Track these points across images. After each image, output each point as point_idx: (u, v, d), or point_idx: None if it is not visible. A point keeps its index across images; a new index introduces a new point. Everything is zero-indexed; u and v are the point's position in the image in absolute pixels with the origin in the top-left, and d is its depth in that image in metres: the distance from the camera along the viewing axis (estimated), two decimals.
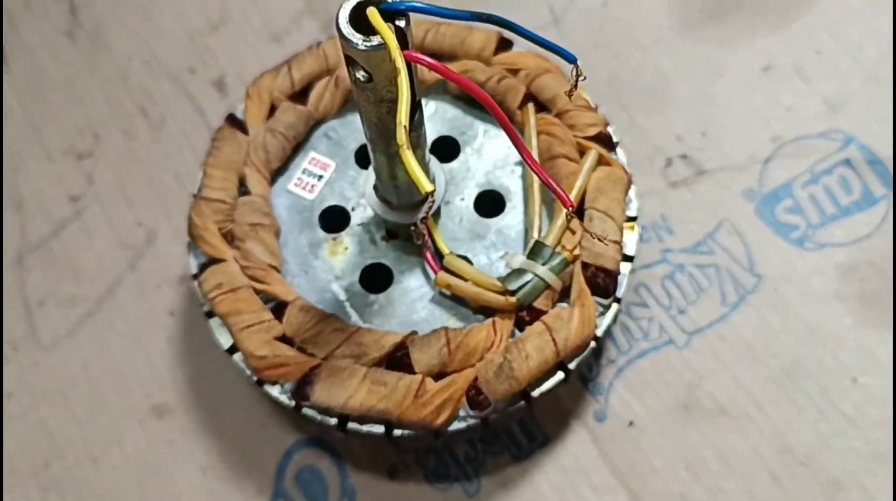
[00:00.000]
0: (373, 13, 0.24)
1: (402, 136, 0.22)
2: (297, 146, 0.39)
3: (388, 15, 0.24)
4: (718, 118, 0.42)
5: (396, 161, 0.31)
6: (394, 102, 0.26)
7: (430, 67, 0.25)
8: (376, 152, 0.31)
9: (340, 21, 0.25)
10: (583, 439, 0.37)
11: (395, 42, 0.23)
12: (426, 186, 0.20)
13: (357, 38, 0.24)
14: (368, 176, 0.35)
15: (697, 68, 0.43)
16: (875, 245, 0.38)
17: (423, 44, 0.39)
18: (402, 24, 0.24)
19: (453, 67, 0.39)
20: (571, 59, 0.26)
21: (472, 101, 0.39)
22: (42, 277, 0.43)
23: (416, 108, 0.28)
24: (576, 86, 0.31)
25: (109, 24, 0.48)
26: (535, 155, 0.37)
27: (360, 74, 0.26)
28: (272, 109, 0.39)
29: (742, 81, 0.43)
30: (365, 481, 0.37)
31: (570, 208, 0.25)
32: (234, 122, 0.39)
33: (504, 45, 0.39)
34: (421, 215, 0.22)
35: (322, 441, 0.38)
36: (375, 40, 0.24)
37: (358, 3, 0.25)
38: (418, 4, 0.25)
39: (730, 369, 0.37)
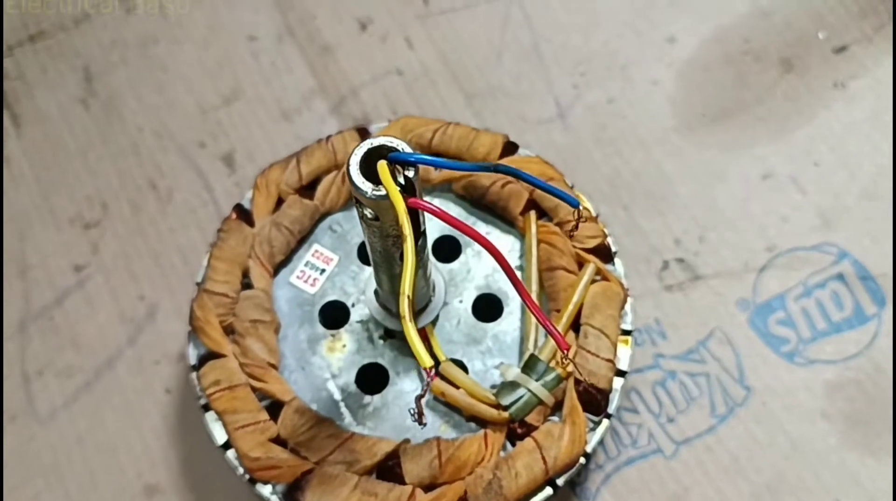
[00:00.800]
0: (382, 169, 0.25)
1: (404, 307, 0.23)
2: (303, 238, 0.40)
3: (398, 164, 0.26)
4: (716, 224, 0.43)
5: (399, 280, 0.32)
6: (399, 236, 0.28)
7: (436, 215, 0.26)
8: (379, 271, 0.32)
9: (351, 167, 0.26)
10: None
11: (403, 205, 0.24)
12: (426, 361, 0.21)
13: (367, 186, 0.25)
14: (370, 276, 0.36)
15: (699, 172, 0.44)
16: (862, 365, 0.39)
17: (430, 145, 0.40)
18: (410, 174, 0.26)
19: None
20: (574, 204, 0.27)
21: (475, 201, 0.40)
22: (42, 346, 0.44)
23: (419, 236, 0.29)
24: (577, 227, 0.33)
25: (123, 94, 0.49)
26: (534, 263, 0.38)
27: (368, 212, 0.27)
28: (279, 201, 0.40)
29: (741, 187, 0.44)
30: None
31: (566, 351, 0.26)
32: (240, 212, 0.40)
33: (509, 148, 0.41)
34: (418, 392, 0.23)
35: None
36: (384, 190, 0.25)
37: (369, 151, 0.26)
38: (427, 157, 0.26)
39: (714, 482, 0.38)
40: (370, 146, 0.26)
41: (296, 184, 0.40)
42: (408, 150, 0.25)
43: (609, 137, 0.46)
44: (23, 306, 0.45)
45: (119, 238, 0.46)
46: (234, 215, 0.40)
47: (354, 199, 0.27)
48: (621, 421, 0.40)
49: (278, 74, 0.49)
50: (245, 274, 0.38)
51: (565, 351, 0.26)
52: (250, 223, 0.39)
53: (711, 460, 0.38)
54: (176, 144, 0.48)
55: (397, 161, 0.26)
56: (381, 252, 0.29)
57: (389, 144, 0.26)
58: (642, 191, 0.44)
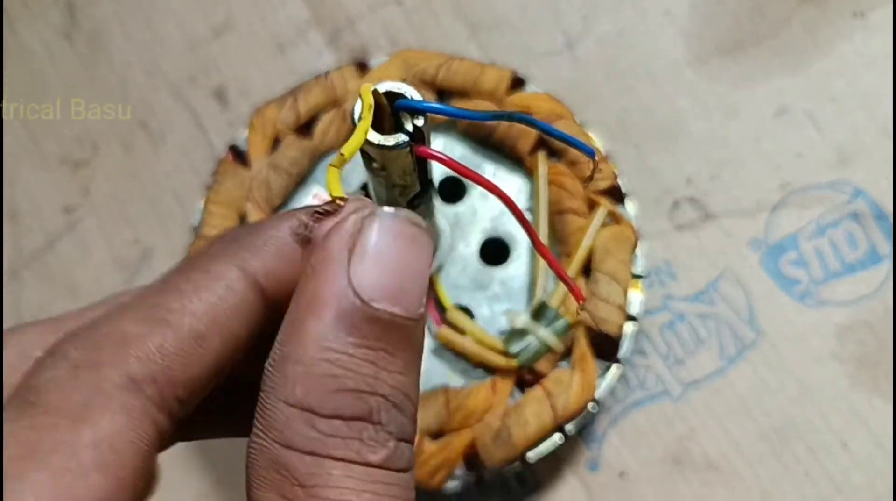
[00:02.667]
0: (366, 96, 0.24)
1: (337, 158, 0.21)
2: (302, 180, 0.39)
3: (408, 112, 0.25)
4: (729, 162, 0.43)
5: None
6: (406, 187, 0.27)
7: (446, 164, 0.25)
8: None
9: (355, 114, 0.25)
10: (574, 487, 0.39)
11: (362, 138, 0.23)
12: (335, 190, 0.21)
13: (373, 136, 0.25)
14: None
15: (711, 108, 0.44)
16: (874, 307, 0.39)
17: (435, 80, 0.39)
18: (419, 122, 0.25)
19: (465, 104, 0.39)
20: (590, 154, 0.27)
21: (481, 140, 0.39)
22: (37, 292, 0.44)
23: (428, 186, 0.29)
24: (592, 177, 0.32)
25: (109, 27, 0.48)
26: (544, 204, 0.37)
27: (374, 163, 0.26)
28: (275, 141, 0.39)
29: (755, 123, 0.43)
30: None
31: (582, 302, 0.26)
32: (236, 154, 0.39)
33: (517, 84, 0.40)
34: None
35: None
36: (392, 141, 0.25)
37: (379, 95, 0.25)
38: (437, 105, 0.25)
39: (722, 424, 0.39)
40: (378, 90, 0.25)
41: (293, 123, 0.39)
42: (417, 97, 0.25)
43: (619, 72, 0.45)
44: (14, 251, 0.44)
45: (111, 180, 0.45)
46: (229, 157, 0.39)
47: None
48: (629, 364, 0.40)
49: (271, 5, 0.47)
50: (242, 218, 0.38)
51: (582, 302, 0.26)
52: (246, 165, 0.39)
53: (719, 402, 0.39)
54: (166, 81, 0.47)
55: (406, 109, 0.25)
56: (386, 201, 0.29)
57: (397, 91, 0.25)
58: (653, 128, 0.44)
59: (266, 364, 0.16)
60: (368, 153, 0.26)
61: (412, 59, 0.40)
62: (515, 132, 0.38)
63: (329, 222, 0.17)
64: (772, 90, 0.44)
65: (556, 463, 0.39)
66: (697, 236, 0.42)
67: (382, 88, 0.25)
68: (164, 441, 0.16)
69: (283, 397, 0.15)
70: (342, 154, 0.21)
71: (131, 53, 0.47)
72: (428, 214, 0.32)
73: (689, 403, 0.39)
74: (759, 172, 0.42)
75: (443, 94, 0.40)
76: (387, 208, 0.17)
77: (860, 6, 0.44)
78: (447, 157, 0.25)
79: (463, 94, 0.40)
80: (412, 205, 0.30)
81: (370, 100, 0.23)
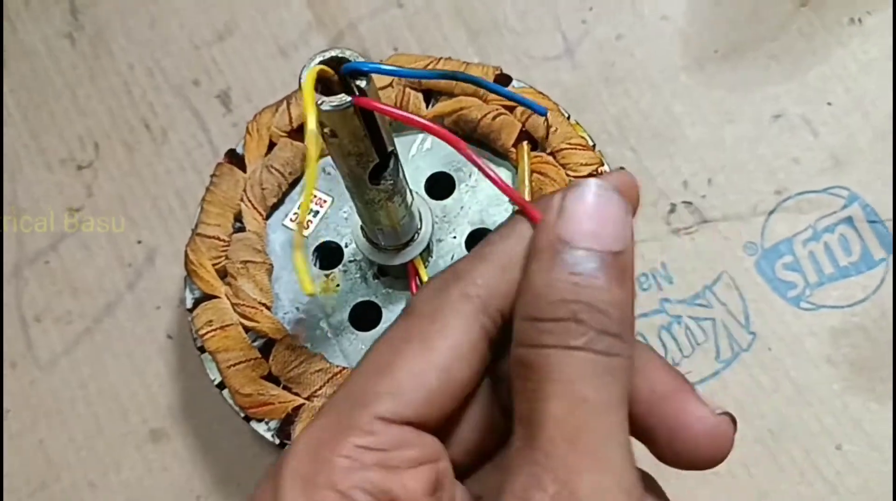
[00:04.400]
0: (309, 77, 0.25)
1: (296, 237, 0.24)
2: (295, 181, 0.40)
3: (352, 75, 0.26)
4: (725, 166, 0.44)
5: (374, 207, 0.33)
6: (361, 155, 0.28)
7: (386, 113, 0.26)
8: (354, 199, 0.33)
9: (303, 80, 0.26)
10: None
11: (315, 130, 0.24)
12: (308, 287, 0.22)
13: (319, 98, 0.26)
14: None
15: (708, 112, 0.45)
16: (869, 310, 0.40)
17: (420, 81, 0.41)
18: (362, 84, 0.26)
19: (450, 103, 0.40)
20: (541, 112, 0.28)
21: (467, 135, 0.41)
22: (40, 291, 0.44)
23: (388, 158, 0.30)
24: (547, 136, 0.33)
25: (112, 28, 0.49)
26: (527, 194, 0.38)
27: (325, 129, 0.27)
28: (271, 145, 0.40)
29: (751, 128, 0.44)
30: None
31: (536, 221, 0.27)
32: (233, 157, 0.40)
33: (502, 80, 0.41)
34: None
35: None
36: (336, 101, 0.26)
37: (323, 62, 0.26)
38: (382, 66, 0.26)
39: None
40: (323, 59, 0.26)
41: (286, 127, 0.40)
42: (360, 60, 0.26)
43: (617, 76, 0.46)
44: (17, 250, 0.45)
45: (113, 180, 0.46)
46: (225, 160, 0.40)
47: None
48: None
49: (274, 8, 0.48)
50: (238, 218, 0.39)
51: (536, 222, 0.26)
52: (243, 168, 0.40)
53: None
54: (169, 82, 0.48)
55: (350, 73, 0.26)
56: (349, 175, 0.30)
57: (341, 55, 0.26)
58: (650, 132, 0.45)
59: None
60: (322, 122, 0.27)
61: (401, 61, 0.42)
62: (498, 125, 0.39)
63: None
64: (768, 95, 0.45)
65: None
66: (694, 239, 0.43)
67: (328, 55, 0.26)
68: (488, 347, 0.23)
69: (520, 315, 0.22)
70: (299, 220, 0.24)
71: (133, 54, 0.48)
72: (397, 192, 0.32)
73: None
74: (756, 176, 0.43)
75: (430, 94, 0.41)
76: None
77: (856, 12, 0.45)
78: (388, 106, 0.26)
79: (448, 93, 0.41)
80: (376, 179, 0.30)
81: (311, 88, 0.25)
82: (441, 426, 0.23)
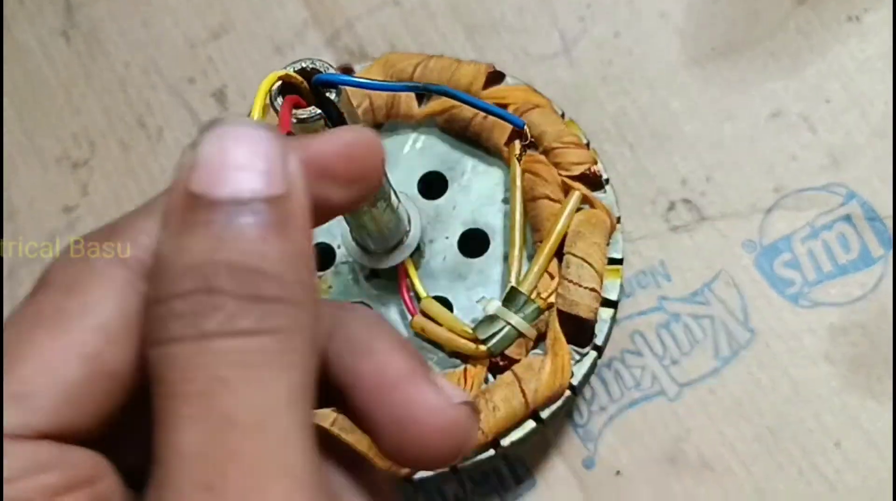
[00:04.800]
0: (261, 88, 0.25)
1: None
2: None
3: (323, 86, 0.26)
4: (723, 164, 0.44)
5: (359, 214, 0.33)
6: None
7: (346, 83, 0.26)
8: None
9: (273, 91, 0.26)
10: (570, 485, 0.40)
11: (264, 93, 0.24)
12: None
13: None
14: None
15: (706, 110, 0.45)
16: (867, 308, 0.41)
17: (412, 78, 0.41)
18: (331, 96, 0.26)
19: (442, 101, 0.40)
20: (519, 125, 0.28)
21: (458, 134, 0.40)
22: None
23: None
24: (524, 151, 0.33)
25: (106, 26, 0.49)
26: (518, 193, 0.38)
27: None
28: None
29: (750, 126, 0.44)
30: None
31: (525, 135, 0.27)
32: None
33: (494, 78, 0.41)
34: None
35: None
36: (305, 113, 0.26)
37: (295, 71, 0.26)
38: (350, 79, 0.27)
39: (717, 424, 0.40)
40: (293, 70, 0.26)
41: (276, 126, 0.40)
42: (331, 71, 0.26)
43: (615, 75, 0.46)
44: (12, 250, 0.45)
45: (109, 179, 0.46)
46: None
47: None
48: (625, 364, 0.41)
49: (269, 6, 0.48)
50: None
51: (524, 134, 0.25)
52: None
53: (714, 402, 0.40)
54: (164, 81, 0.48)
55: (322, 84, 0.26)
56: None
57: (312, 67, 0.26)
58: (648, 130, 0.45)
59: None
60: (293, 132, 0.27)
61: (392, 60, 0.42)
62: (490, 124, 0.39)
63: None
64: (766, 93, 0.45)
65: (553, 461, 0.40)
66: (692, 237, 0.43)
67: (298, 66, 0.26)
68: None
69: (145, 301, 0.17)
70: None
71: (128, 52, 0.48)
72: (381, 198, 0.32)
73: (685, 403, 0.40)
74: (754, 174, 0.43)
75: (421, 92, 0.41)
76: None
77: (855, 10, 0.45)
78: (348, 78, 0.26)
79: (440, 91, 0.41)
80: None
81: (265, 89, 0.25)
82: (101, 432, 0.17)
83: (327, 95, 0.26)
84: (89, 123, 0.47)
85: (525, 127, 0.30)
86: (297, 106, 0.26)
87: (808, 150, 0.44)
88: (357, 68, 0.42)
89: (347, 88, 0.27)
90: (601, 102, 0.46)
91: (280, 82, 0.26)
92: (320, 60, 0.26)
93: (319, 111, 0.26)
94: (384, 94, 0.41)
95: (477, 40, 0.47)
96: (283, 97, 0.26)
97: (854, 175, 0.43)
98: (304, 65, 0.26)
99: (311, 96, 0.27)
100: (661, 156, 0.44)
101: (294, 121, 0.26)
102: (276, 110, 0.26)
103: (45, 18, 0.49)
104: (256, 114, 0.23)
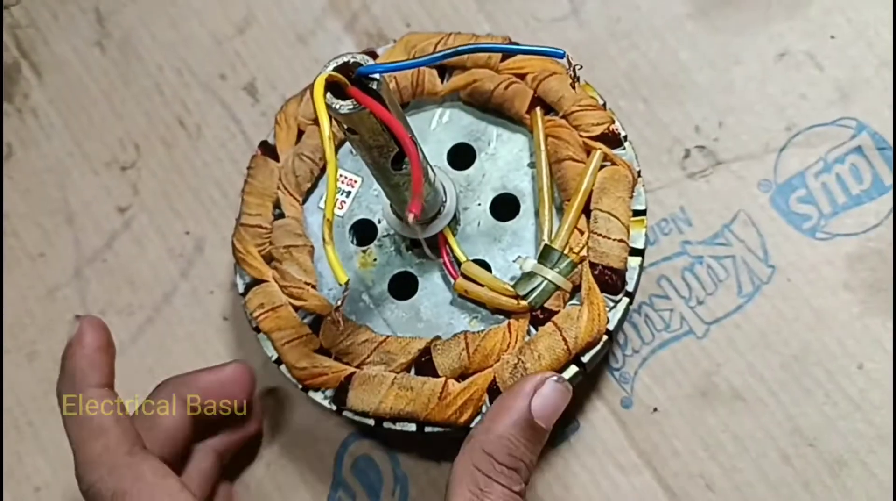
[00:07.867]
0: (318, 86, 0.28)
1: (325, 231, 0.27)
2: (325, 164, 0.44)
3: (365, 79, 0.29)
4: (735, 108, 0.46)
5: (400, 190, 0.36)
6: (381, 147, 0.31)
7: (373, 109, 0.29)
8: (380, 183, 0.36)
9: (314, 89, 0.29)
10: (611, 424, 0.43)
11: (327, 125, 0.27)
12: (341, 277, 0.26)
13: (335, 102, 0.29)
14: None
15: (714, 57, 0.47)
16: (883, 234, 0.43)
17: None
18: (374, 86, 0.29)
19: (463, 76, 0.43)
20: (559, 55, 0.30)
21: (483, 107, 0.43)
22: (100, 287, 0.49)
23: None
24: (575, 77, 0.36)
25: (137, 32, 0.52)
26: (543, 157, 0.41)
27: (345, 127, 0.31)
28: (300, 133, 0.44)
29: (757, 68, 0.46)
30: (415, 467, 0.44)
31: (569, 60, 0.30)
32: (266, 148, 0.44)
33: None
34: (336, 303, 0.28)
35: (373, 432, 0.44)
36: (349, 104, 0.29)
37: (336, 68, 0.29)
38: (389, 65, 0.30)
39: (744, 356, 0.43)
40: (336, 65, 0.29)
41: (312, 114, 0.44)
42: (370, 63, 0.29)
43: (624, 30, 0.48)
44: (74, 252, 0.49)
45: (156, 177, 0.50)
46: (259, 152, 0.44)
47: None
48: (654, 308, 0.44)
49: None
50: (277, 205, 0.43)
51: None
52: (275, 158, 0.43)
53: (741, 337, 0.43)
54: (196, 79, 0.51)
55: (364, 76, 0.29)
56: (373, 164, 0.33)
57: (353, 61, 0.29)
58: (660, 82, 0.47)
59: (477, 423, 0.37)
60: (340, 122, 0.30)
61: (414, 41, 0.44)
62: (511, 93, 0.42)
63: None
64: (772, 34, 0.47)
65: (593, 404, 0.43)
66: (709, 181, 0.45)
67: (339, 62, 0.29)
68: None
69: (482, 445, 0.34)
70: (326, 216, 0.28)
71: (160, 55, 0.52)
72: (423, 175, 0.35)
73: (713, 340, 0.43)
74: (765, 115, 0.46)
75: (443, 69, 0.44)
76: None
77: None
78: (385, 113, 0.30)
79: (461, 66, 0.43)
80: (398, 165, 0.34)
81: (321, 104, 0.28)
82: None
83: (369, 85, 0.29)
84: (132, 126, 0.51)
85: (566, 55, 0.32)
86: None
87: (817, 87, 0.46)
88: (379, 51, 0.45)
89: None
90: (613, 58, 0.48)
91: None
92: (361, 54, 0.29)
93: (360, 104, 0.29)
94: (408, 74, 0.43)
95: (488, 9, 0.50)
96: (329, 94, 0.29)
97: (863, 107, 0.45)
98: (345, 59, 0.29)
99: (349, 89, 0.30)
100: (673, 106, 0.47)
101: (341, 112, 0.29)
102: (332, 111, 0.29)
103: (78, 29, 0.53)
104: (325, 123, 0.27)
